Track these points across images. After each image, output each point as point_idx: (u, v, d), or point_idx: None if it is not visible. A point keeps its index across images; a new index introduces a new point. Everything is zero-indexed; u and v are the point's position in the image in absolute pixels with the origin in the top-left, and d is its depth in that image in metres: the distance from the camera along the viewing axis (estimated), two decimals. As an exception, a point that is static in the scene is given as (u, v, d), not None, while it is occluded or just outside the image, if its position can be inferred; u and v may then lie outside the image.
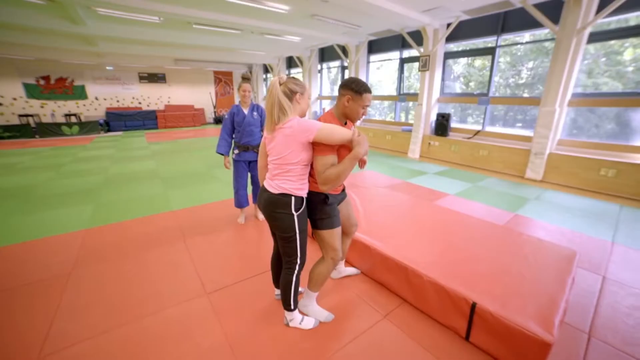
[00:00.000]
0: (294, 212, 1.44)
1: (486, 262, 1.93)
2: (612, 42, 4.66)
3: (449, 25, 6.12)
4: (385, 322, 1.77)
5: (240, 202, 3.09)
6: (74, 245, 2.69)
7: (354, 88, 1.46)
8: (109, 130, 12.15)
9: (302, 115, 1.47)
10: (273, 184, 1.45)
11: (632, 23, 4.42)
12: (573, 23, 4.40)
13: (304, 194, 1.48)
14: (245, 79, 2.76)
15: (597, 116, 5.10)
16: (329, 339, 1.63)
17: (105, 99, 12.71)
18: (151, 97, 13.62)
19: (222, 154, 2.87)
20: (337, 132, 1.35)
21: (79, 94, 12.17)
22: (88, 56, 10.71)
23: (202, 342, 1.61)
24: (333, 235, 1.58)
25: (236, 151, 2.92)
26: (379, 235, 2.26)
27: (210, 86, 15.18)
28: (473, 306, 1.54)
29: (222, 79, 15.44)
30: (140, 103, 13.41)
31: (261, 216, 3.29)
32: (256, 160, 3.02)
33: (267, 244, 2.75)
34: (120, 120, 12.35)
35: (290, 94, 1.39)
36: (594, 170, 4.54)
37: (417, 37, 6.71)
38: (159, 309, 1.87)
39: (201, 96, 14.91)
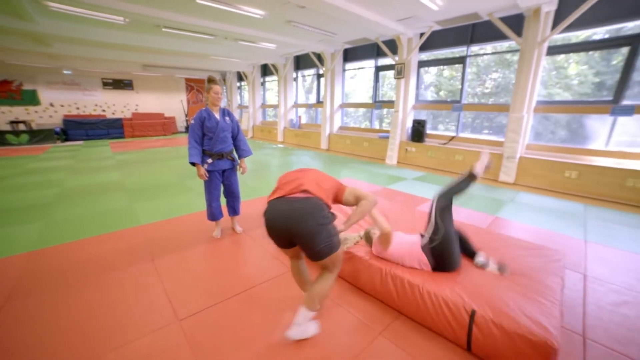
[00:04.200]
0: None
1: (478, 267, 1.87)
2: (559, 57, 5.07)
3: (422, 34, 6.33)
4: (382, 339, 1.63)
5: (215, 215, 2.84)
6: (11, 272, 2.27)
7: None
8: (67, 140, 11.16)
9: None
10: None
11: (582, 39, 4.84)
12: (534, 36, 4.70)
13: None
14: (213, 80, 2.55)
15: (552, 123, 5.49)
16: (322, 364, 1.46)
17: (62, 106, 11.68)
18: (117, 105, 12.76)
19: (196, 163, 2.60)
20: None
21: (30, 99, 11.05)
22: (40, 58, 9.69)
23: (173, 381, 1.37)
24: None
25: (209, 160, 2.64)
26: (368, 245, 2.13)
27: (182, 94, 14.58)
28: (472, 314, 1.45)
29: (194, 86, 14.91)
30: (104, 110, 12.50)
31: (239, 228, 3.05)
32: (230, 169, 2.79)
33: (245, 259, 2.54)
34: (80, 129, 11.40)
35: None
36: (559, 173, 4.81)
37: (392, 45, 6.88)
38: (122, 343, 1.58)
39: (172, 104, 14.25)
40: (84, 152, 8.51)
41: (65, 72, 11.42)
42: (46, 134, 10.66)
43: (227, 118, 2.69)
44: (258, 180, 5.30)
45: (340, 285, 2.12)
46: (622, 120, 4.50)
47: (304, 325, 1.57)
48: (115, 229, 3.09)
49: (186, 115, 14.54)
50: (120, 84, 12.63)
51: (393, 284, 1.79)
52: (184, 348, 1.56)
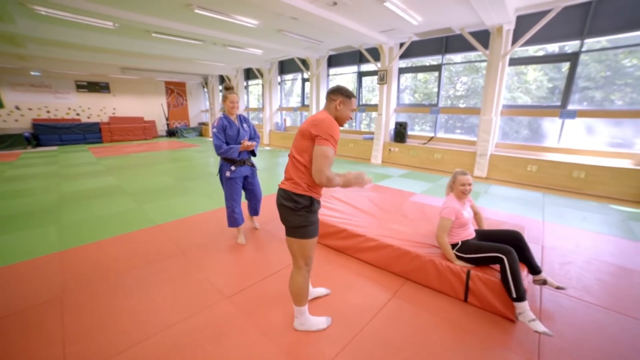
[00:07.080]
0: None
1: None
2: (521, 66, 5.90)
3: (402, 44, 6.93)
4: (396, 299, 2.06)
5: (237, 221, 2.87)
6: (52, 269, 2.44)
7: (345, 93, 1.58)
8: (38, 145, 10.62)
9: None
10: None
11: (540, 53, 5.66)
12: (498, 49, 5.43)
13: None
14: (229, 89, 2.62)
15: (516, 123, 6.32)
16: (355, 318, 1.85)
17: (30, 109, 11.06)
18: (92, 108, 12.29)
19: (239, 152, 2.65)
20: None
21: (-11, 101, 10.34)
22: (6, 58, 9.08)
23: (239, 340, 1.68)
24: (315, 244, 1.63)
25: (232, 168, 2.71)
26: (383, 229, 2.58)
27: (162, 97, 14.30)
28: (468, 273, 1.92)
29: (175, 89, 14.69)
30: (78, 114, 11.99)
31: (258, 225, 3.32)
32: (251, 174, 2.90)
33: (269, 248, 2.85)
34: (54, 134, 10.90)
35: None
36: (523, 167, 5.58)
37: (374, 53, 7.43)
38: (183, 318, 1.87)
39: (151, 107, 13.95)
40: (64, 157, 8.23)
41: (33, 73, 10.83)
42: (14, 140, 10.12)
43: (244, 125, 2.83)
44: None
45: (350, 261, 2.53)
46: (569, 120, 5.33)
47: (301, 318, 1.74)
48: (133, 229, 3.27)
49: (167, 119, 14.28)
50: (96, 87, 12.19)
51: (402, 256, 2.23)
52: (239, 316, 1.88)
